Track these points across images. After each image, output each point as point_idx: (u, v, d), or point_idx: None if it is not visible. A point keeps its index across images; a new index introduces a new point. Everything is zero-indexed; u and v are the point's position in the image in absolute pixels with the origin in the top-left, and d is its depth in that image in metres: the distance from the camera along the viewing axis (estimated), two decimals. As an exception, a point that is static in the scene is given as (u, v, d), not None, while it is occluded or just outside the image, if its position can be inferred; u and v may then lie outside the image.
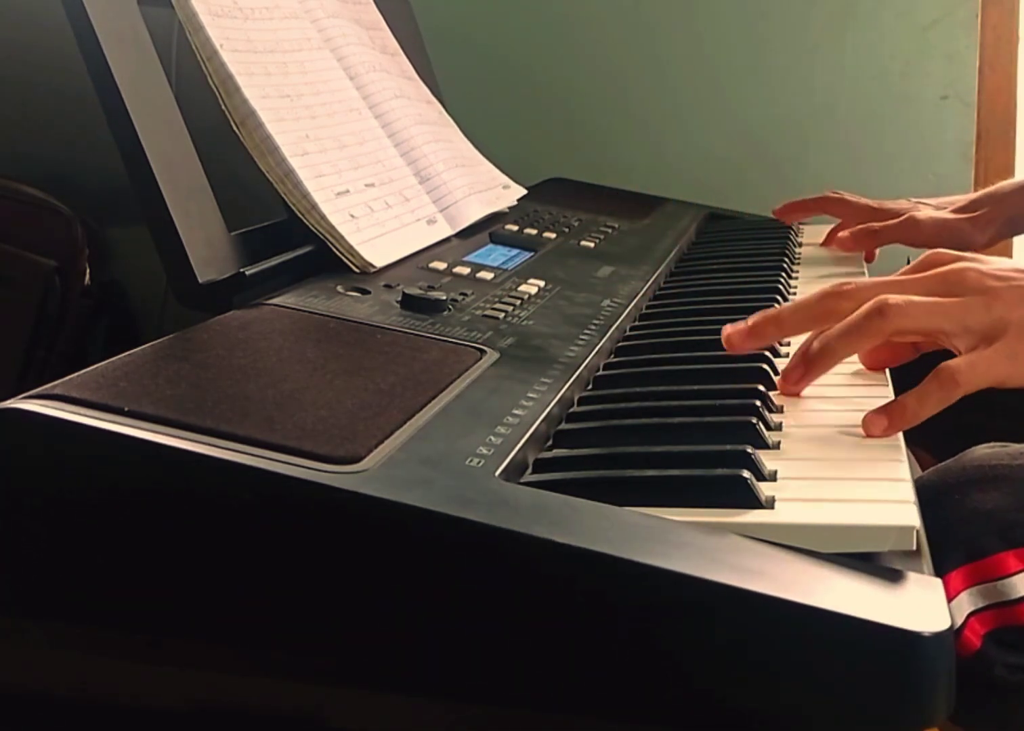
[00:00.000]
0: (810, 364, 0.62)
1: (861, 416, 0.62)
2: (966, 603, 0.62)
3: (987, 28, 1.58)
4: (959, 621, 0.61)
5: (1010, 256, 1.60)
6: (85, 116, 0.98)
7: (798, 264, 1.08)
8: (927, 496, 0.59)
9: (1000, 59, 1.58)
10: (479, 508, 0.46)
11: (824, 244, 1.17)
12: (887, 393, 0.65)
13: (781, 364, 0.67)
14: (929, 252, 0.67)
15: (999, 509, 0.63)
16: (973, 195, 1.13)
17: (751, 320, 0.65)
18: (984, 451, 0.67)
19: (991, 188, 1.13)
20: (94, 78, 0.71)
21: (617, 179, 1.42)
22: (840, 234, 1.13)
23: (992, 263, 0.64)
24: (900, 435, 0.60)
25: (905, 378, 0.65)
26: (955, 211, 1.11)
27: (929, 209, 1.14)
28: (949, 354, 0.62)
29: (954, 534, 0.62)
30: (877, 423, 0.59)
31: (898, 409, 0.59)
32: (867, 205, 1.17)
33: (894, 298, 0.61)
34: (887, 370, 0.69)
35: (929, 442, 0.97)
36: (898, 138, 1.60)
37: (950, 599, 0.61)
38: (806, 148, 1.63)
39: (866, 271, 1.05)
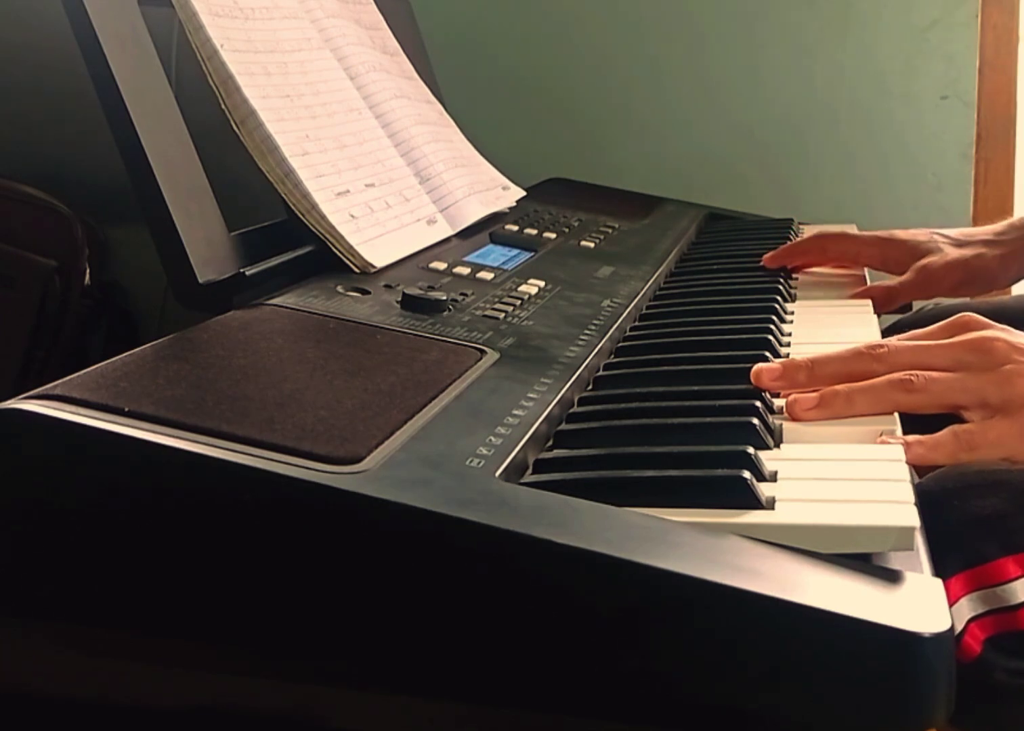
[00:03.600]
0: (826, 403, 0.63)
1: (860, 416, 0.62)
2: (966, 609, 0.61)
3: (987, 28, 1.58)
4: (959, 627, 0.61)
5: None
6: (85, 116, 0.98)
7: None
8: (926, 502, 0.58)
9: (1000, 59, 1.59)
10: (479, 508, 0.46)
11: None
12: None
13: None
14: (960, 316, 0.68)
15: (998, 514, 0.62)
16: (997, 227, 1.04)
17: (783, 363, 0.66)
18: None
19: (1015, 219, 1.04)
20: (94, 78, 0.71)
21: (617, 179, 1.42)
22: (853, 293, 0.97)
23: (1021, 336, 0.65)
24: (899, 436, 0.60)
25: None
26: (979, 244, 1.01)
27: (948, 245, 1.02)
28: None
29: (953, 540, 0.62)
30: None
31: (909, 448, 0.59)
32: (875, 237, 1.04)
33: (918, 378, 0.62)
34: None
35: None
36: (898, 138, 1.60)
37: (950, 605, 0.61)
38: (806, 148, 1.63)
39: (867, 273, 1.05)
